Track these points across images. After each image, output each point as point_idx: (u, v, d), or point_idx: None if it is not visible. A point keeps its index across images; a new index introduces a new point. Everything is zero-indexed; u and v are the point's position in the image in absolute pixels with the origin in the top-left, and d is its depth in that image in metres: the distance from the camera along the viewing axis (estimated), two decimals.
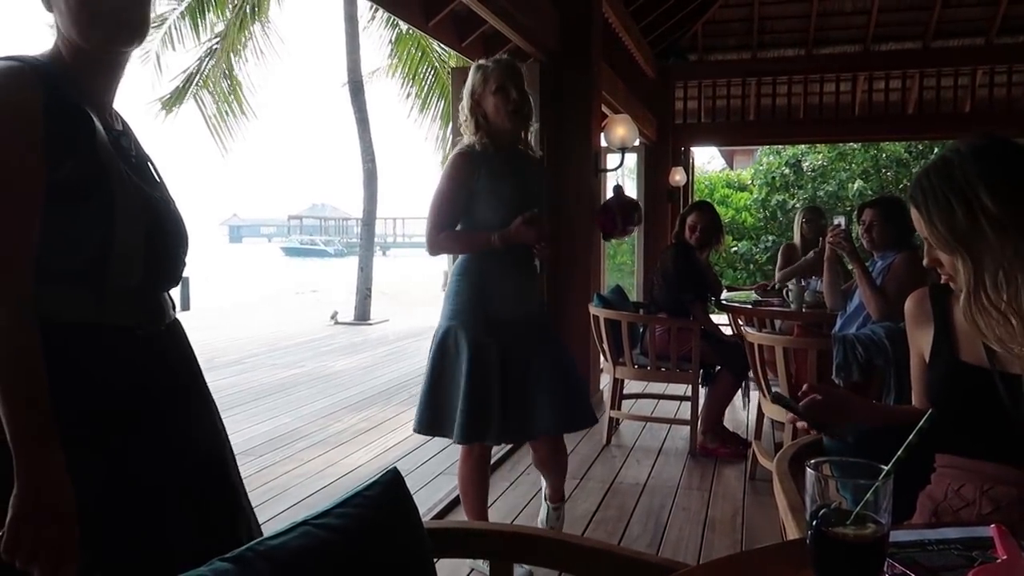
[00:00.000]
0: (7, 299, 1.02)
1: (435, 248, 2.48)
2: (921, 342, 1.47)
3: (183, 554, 1.17)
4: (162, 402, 1.21)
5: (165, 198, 1.25)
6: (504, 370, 2.42)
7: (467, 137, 2.44)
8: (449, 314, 2.48)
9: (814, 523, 0.81)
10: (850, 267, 3.47)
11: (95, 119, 1.13)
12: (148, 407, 1.17)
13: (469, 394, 2.37)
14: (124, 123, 1.25)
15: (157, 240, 1.19)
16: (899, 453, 0.83)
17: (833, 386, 2.76)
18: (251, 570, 0.87)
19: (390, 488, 1.07)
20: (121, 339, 1.15)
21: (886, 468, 0.80)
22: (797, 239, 5.33)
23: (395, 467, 1.10)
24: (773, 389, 3.08)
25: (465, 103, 2.43)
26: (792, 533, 1.23)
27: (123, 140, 1.21)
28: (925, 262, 1.38)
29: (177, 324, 1.29)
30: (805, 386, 1.33)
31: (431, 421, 2.50)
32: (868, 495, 0.78)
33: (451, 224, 2.46)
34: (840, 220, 3.40)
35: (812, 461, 0.84)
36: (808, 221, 5.24)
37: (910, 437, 0.85)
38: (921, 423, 0.87)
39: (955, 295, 1.38)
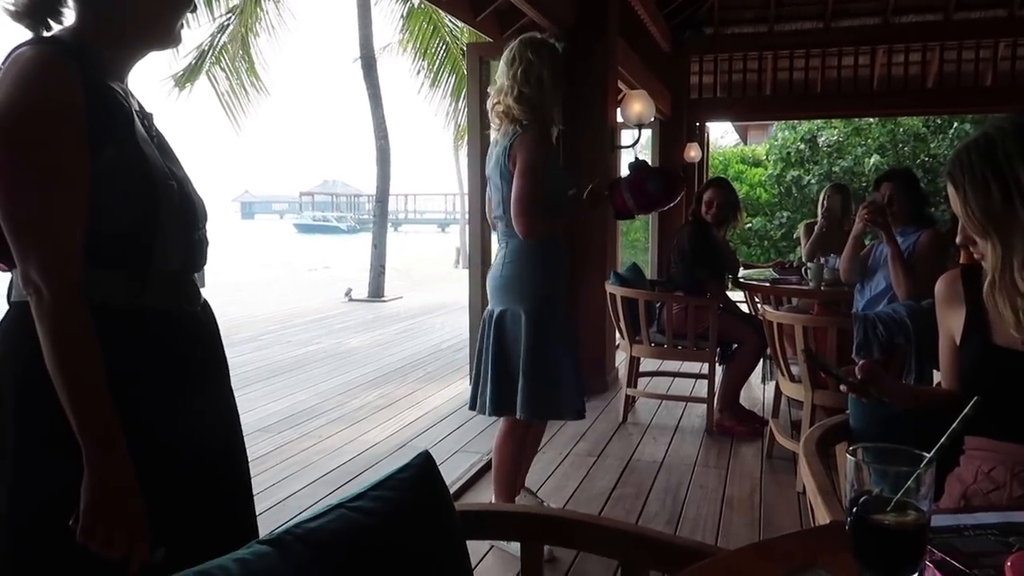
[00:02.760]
0: (62, 287, 1.02)
1: (538, 230, 2.42)
2: (952, 324, 1.46)
3: (210, 530, 1.20)
4: (195, 382, 1.23)
5: (187, 178, 1.25)
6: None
7: (532, 112, 2.42)
8: (533, 296, 2.50)
9: (854, 510, 0.80)
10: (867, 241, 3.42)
11: (129, 104, 1.12)
12: (184, 387, 1.19)
13: (574, 368, 2.54)
14: (139, 102, 1.24)
15: (190, 223, 1.20)
16: (942, 440, 0.82)
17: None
18: (290, 552, 0.88)
19: (422, 471, 1.07)
20: (162, 321, 1.16)
21: (928, 455, 0.79)
22: (820, 217, 5.25)
23: (426, 450, 1.10)
24: (812, 356, 2.99)
25: (546, 73, 2.41)
26: (821, 515, 1.22)
27: (145, 120, 1.21)
28: (959, 239, 1.37)
29: (207, 305, 1.30)
30: (861, 361, 1.36)
31: (547, 407, 2.55)
32: (910, 482, 0.77)
33: (547, 204, 2.45)
34: (877, 196, 3.33)
35: (851, 447, 0.83)
36: (832, 198, 5.15)
37: (954, 424, 0.84)
38: (966, 411, 0.86)
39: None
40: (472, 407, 2.64)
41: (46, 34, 1.13)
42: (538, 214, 2.39)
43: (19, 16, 1.11)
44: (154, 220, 1.12)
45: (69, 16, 1.15)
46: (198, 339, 1.24)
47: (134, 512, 1.05)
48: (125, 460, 1.04)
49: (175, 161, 1.23)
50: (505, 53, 2.50)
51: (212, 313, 1.31)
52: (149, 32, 1.18)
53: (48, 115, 1.03)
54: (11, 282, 1.12)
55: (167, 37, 1.20)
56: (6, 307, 1.13)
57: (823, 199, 5.20)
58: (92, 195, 1.05)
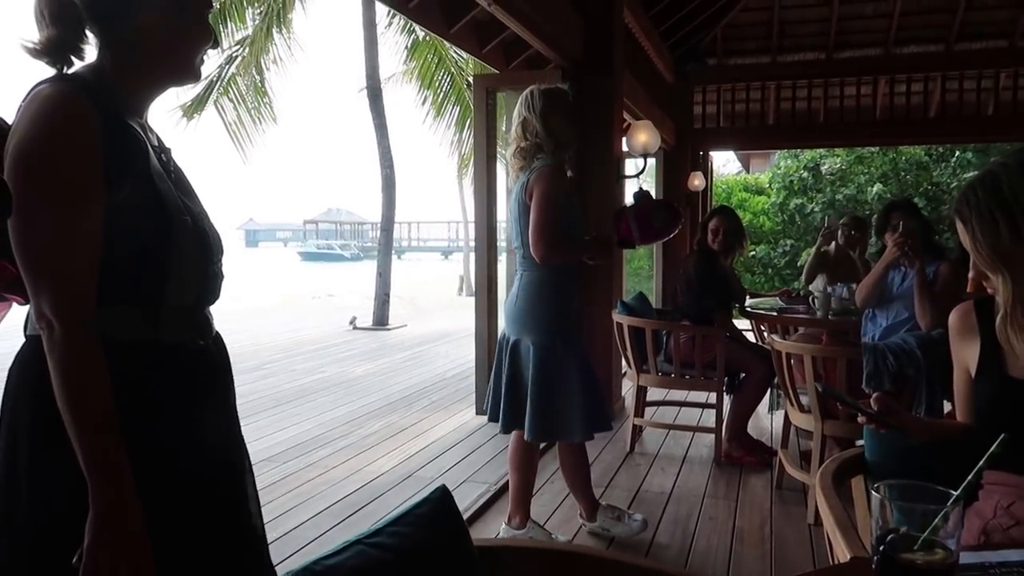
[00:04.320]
0: (74, 323, 1.02)
1: (555, 255, 2.61)
2: (967, 356, 1.46)
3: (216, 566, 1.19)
4: (207, 417, 1.22)
5: (204, 212, 1.25)
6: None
7: (546, 154, 2.64)
8: (543, 329, 2.68)
9: (881, 548, 0.79)
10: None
11: (146, 140, 1.13)
12: (197, 422, 1.18)
13: (586, 395, 2.68)
14: (158, 136, 1.25)
15: (205, 257, 1.20)
16: (970, 478, 0.82)
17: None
18: None
19: (440, 506, 1.07)
20: (175, 355, 1.16)
21: (955, 493, 0.79)
22: (832, 245, 5.21)
23: (444, 485, 1.10)
24: (826, 389, 2.98)
25: (536, 124, 2.63)
26: (841, 550, 1.21)
27: (163, 156, 1.21)
28: (971, 275, 1.38)
29: (219, 337, 1.30)
30: (876, 394, 1.36)
31: (550, 432, 2.76)
32: (937, 520, 0.77)
33: (561, 232, 2.63)
34: (910, 224, 3.26)
35: (876, 484, 0.83)
36: (849, 227, 5.08)
37: (981, 462, 0.84)
38: (993, 448, 0.85)
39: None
40: (492, 419, 2.85)
41: (67, 71, 1.14)
42: (553, 241, 2.57)
43: (39, 54, 1.12)
44: (167, 255, 1.12)
45: (90, 53, 1.16)
46: (210, 373, 1.23)
47: (139, 553, 1.03)
48: (132, 499, 1.03)
49: (192, 196, 1.24)
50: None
51: (224, 346, 1.31)
52: (169, 69, 1.20)
53: (64, 152, 1.04)
54: (28, 315, 1.12)
55: (187, 73, 1.21)
56: (22, 340, 1.13)
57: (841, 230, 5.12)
58: (106, 230, 1.05)
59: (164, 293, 1.13)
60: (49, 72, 1.13)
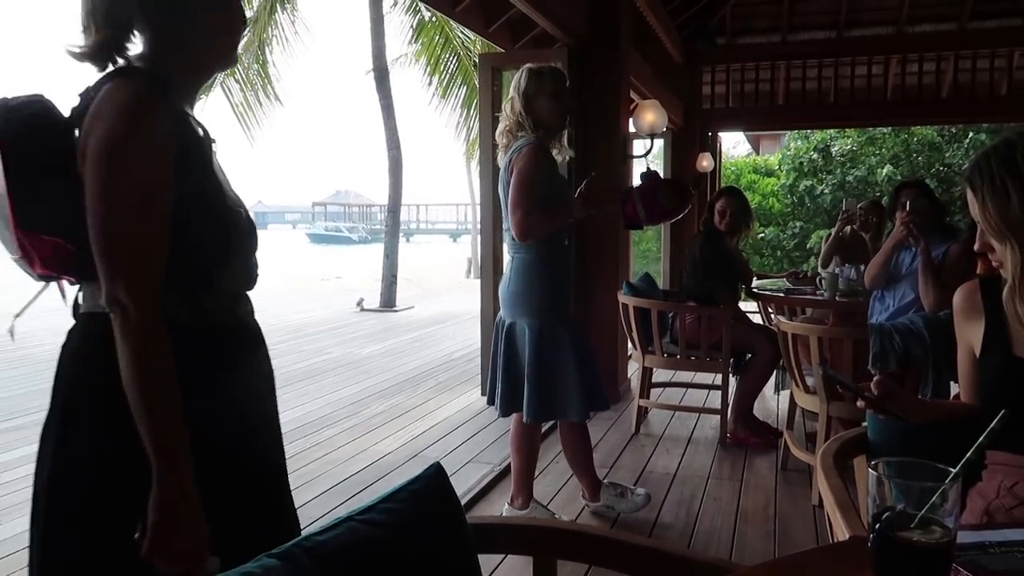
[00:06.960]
0: (148, 309, 1.05)
1: (529, 231, 2.59)
2: (971, 336, 1.44)
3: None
4: (255, 391, 1.27)
5: (242, 201, 1.28)
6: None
7: (527, 133, 2.63)
8: (536, 311, 2.68)
9: (877, 526, 0.78)
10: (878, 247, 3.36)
11: (207, 134, 1.18)
12: (245, 399, 1.23)
13: (582, 375, 2.68)
14: (205, 128, 1.26)
15: (251, 245, 1.26)
16: (969, 454, 0.80)
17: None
18: (298, 566, 0.86)
19: (433, 483, 1.06)
20: (224, 337, 1.20)
21: (953, 470, 0.77)
22: (848, 228, 5.14)
23: (438, 462, 1.09)
24: (828, 372, 2.96)
25: (518, 103, 2.62)
26: (840, 530, 1.20)
27: (213, 147, 1.24)
28: (977, 246, 1.35)
29: (256, 321, 1.33)
30: (877, 377, 1.34)
31: (549, 411, 2.74)
32: (935, 497, 0.75)
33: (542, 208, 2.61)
34: (923, 202, 3.23)
35: (873, 462, 0.81)
36: (867, 212, 4.99)
37: (981, 438, 0.82)
38: (993, 424, 0.84)
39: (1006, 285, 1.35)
40: (490, 403, 2.87)
41: (122, 62, 1.15)
42: (526, 214, 2.56)
43: (86, 57, 1.14)
44: (226, 246, 1.18)
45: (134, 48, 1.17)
46: (251, 346, 1.28)
47: (200, 532, 1.07)
48: (191, 478, 1.06)
49: (231, 186, 1.27)
50: None
51: (260, 328, 1.34)
52: (217, 58, 1.24)
53: (151, 148, 1.07)
54: (77, 294, 1.17)
55: (231, 60, 1.25)
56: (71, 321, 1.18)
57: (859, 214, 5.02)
58: (173, 221, 1.09)
59: (221, 280, 1.18)
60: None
